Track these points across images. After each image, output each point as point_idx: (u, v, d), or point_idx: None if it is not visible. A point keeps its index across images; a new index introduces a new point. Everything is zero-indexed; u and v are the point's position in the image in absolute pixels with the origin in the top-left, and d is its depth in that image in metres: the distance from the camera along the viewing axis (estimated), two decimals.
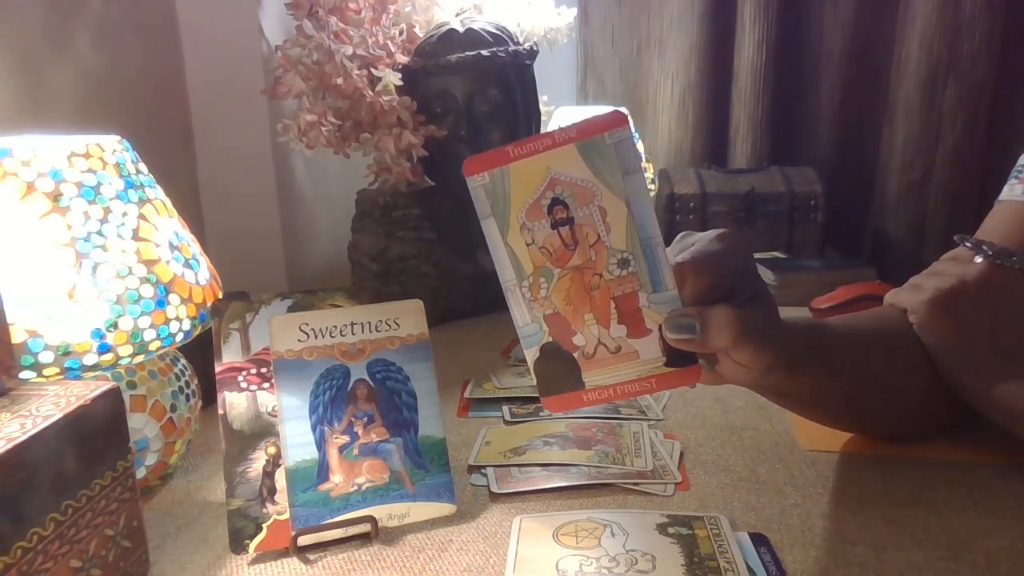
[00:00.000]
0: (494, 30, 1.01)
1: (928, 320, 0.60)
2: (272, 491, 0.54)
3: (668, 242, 0.44)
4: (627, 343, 0.43)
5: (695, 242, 0.44)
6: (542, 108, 1.13)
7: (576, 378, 0.44)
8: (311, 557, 0.52)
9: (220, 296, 0.63)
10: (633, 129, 1.47)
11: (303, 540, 0.52)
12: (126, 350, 0.54)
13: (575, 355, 0.43)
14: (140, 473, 0.58)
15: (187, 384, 0.62)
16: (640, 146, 1.49)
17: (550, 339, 0.44)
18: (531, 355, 0.44)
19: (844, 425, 0.65)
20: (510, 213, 0.42)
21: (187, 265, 0.60)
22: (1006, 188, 0.65)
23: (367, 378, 0.57)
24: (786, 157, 1.37)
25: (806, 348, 0.51)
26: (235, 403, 0.55)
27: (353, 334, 0.57)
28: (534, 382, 0.44)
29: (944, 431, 0.65)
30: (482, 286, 1.05)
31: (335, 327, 0.57)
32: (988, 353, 0.57)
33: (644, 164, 1.48)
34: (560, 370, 0.44)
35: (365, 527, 0.54)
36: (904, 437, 0.65)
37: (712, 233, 0.45)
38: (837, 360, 0.55)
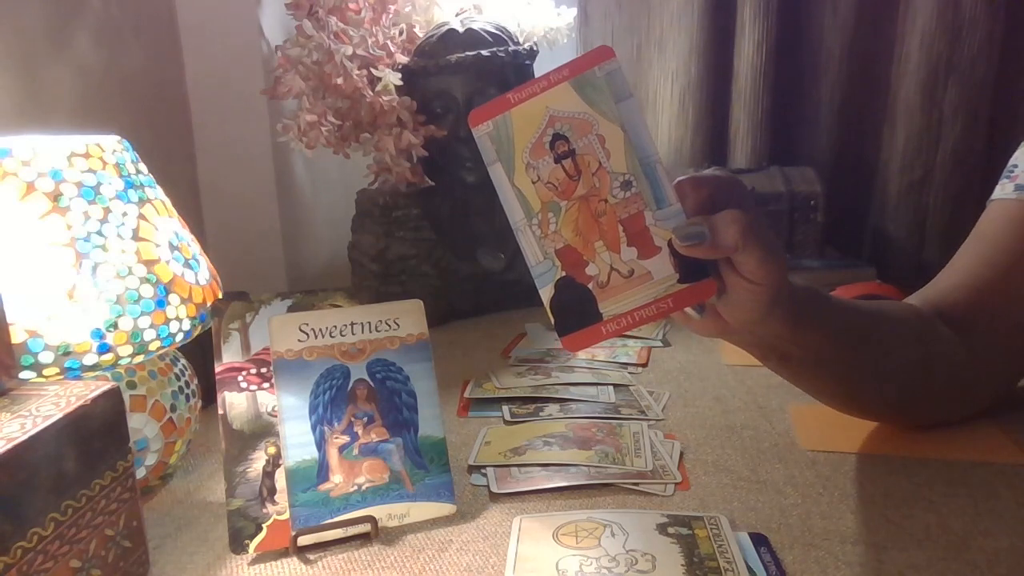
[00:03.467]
0: (494, 30, 1.01)
1: None
2: (272, 491, 0.54)
3: None
4: (639, 265, 0.44)
5: None
6: None
7: (593, 311, 0.44)
8: (311, 557, 0.52)
9: (220, 296, 0.63)
10: None
11: (303, 540, 0.52)
12: (126, 350, 0.54)
13: (589, 286, 0.44)
14: (140, 473, 0.58)
15: (187, 384, 0.62)
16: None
17: (563, 274, 0.45)
18: (546, 294, 0.45)
19: (844, 400, 0.64)
20: (515, 155, 0.44)
21: (187, 265, 0.60)
22: (998, 187, 0.66)
23: (367, 378, 0.57)
24: (786, 157, 1.37)
25: (808, 299, 0.51)
26: (235, 403, 0.55)
27: (353, 334, 0.57)
28: (552, 322, 0.45)
29: (951, 421, 0.65)
30: (482, 286, 1.05)
31: (335, 327, 0.57)
32: None
33: None
34: (576, 304, 0.45)
35: (365, 527, 0.54)
36: (909, 425, 0.65)
37: (710, 168, 0.46)
38: (838, 321, 0.55)
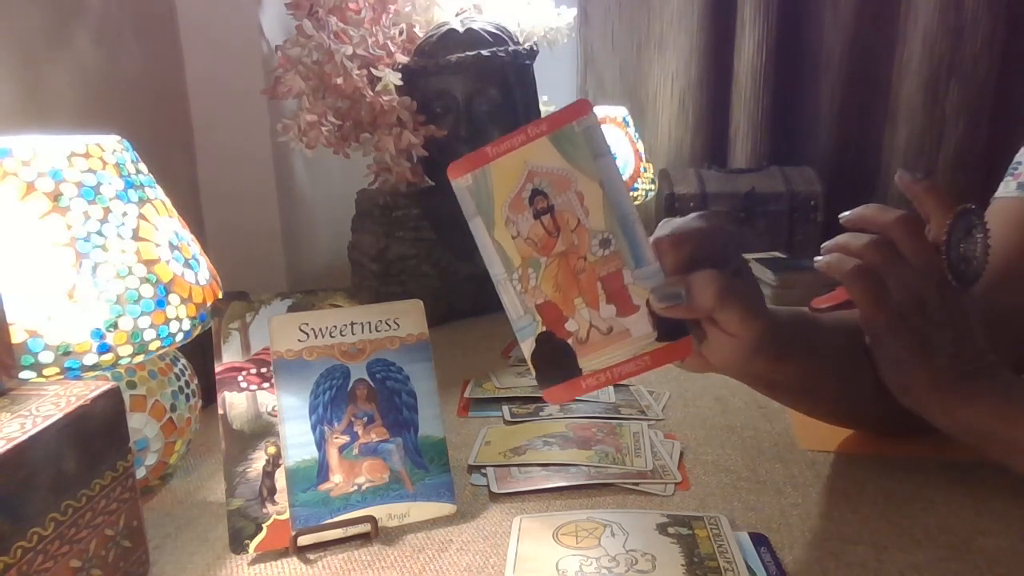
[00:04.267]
0: (494, 30, 1.01)
1: (883, 335, 0.54)
2: (272, 491, 0.54)
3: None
4: (618, 323, 0.44)
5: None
6: (542, 108, 1.14)
7: (572, 365, 0.45)
8: (311, 557, 0.52)
9: (220, 296, 0.63)
10: (633, 129, 1.49)
11: (303, 540, 0.52)
12: (126, 350, 0.54)
13: (569, 342, 0.45)
14: (140, 473, 0.58)
15: (187, 384, 0.62)
16: (640, 146, 1.49)
17: (544, 329, 0.45)
18: (527, 347, 0.45)
19: (839, 418, 0.64)
20: (494, 209, 0.44)
21: (187, 265, 0.60)
22: (1002, 185, 0.66)
23: (367, 378, 0.57)
24: (786, 157, 1.37)
25: (792, 333, 0.51)
26: (235, 403, 0.55)
27: (353, 334, 0.57)
28: (533, 375, 0.45)
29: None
30: (482, 286, 1.04)
31: (335, 327, 0.57)
32: (947, 375, 0.53)
33: (645, 164, 1.48)
34: (557, 359, 0.45)
35: (365, 527, 0.54)
36: (905, 433, 0.65)
37: (693, 214, 0.46)
38: (825, 348, 0.55)
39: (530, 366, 0.45)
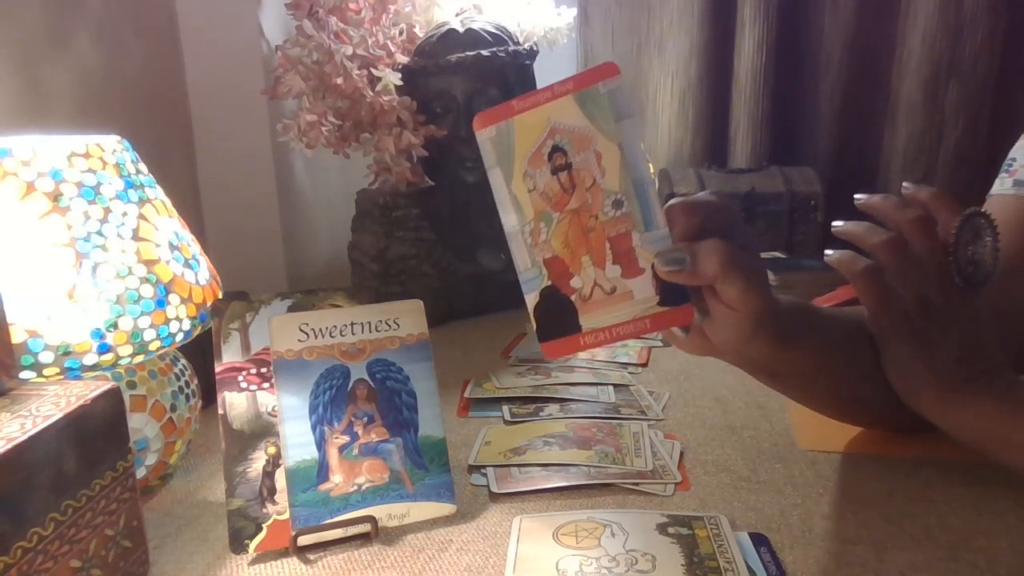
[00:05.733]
0: (494, 30, 1.01)
1: (888, 336, 0.56)
2: (272, 491, 0.54)
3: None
4: (622, 284, 0.45)
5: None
6: None
7: (573, 322, 0.45)
8: (311, 557, 0.52)
9: (220, 296, 0.63)
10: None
11: (303, 540, 0.52)
12: (126, 350, 0.54)
13: (572, 298, 0.45)
14: (140, 473, 0.58)
15: (187, 384, 0.62)
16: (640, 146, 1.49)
17: (549, 283, 0.45)
18: (531, 300, 0.46)
19: (840, 412, 0.64)
20: (514, 162, 0.45)
21: (187, 265, 0.60)
22: (997, 182, 0.66)
23: (367, 378, 0.57)
24: (786, 157, 1.37)
25: (794, 319, 0.51)
26: (235, 403, 0.55)
27: (353, 334, 0.57)
28: (533, 328, 0.46)
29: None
30: (482, 286, 1.05)
31: (335, 327, 0.57)
32: (952, 377, 0.54)
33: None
34: (558, 314, 0.45)
35: (365, 527, 0.54)
36: (906, 429, 0.65)
37: (705, 190, 0.47)
38: (827, 338, 0.55)
39: (532, 319, 0.46)
